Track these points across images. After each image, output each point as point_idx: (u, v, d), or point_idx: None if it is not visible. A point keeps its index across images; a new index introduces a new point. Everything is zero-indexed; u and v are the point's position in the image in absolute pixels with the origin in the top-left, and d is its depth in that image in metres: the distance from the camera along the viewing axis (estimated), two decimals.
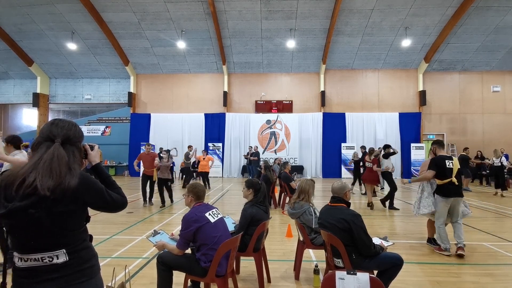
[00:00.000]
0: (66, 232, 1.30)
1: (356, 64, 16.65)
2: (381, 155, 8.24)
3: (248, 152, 15.17)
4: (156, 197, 8.40)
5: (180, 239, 2.63)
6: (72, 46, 15.20)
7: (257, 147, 15.48)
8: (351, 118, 16.71)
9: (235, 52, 16.04)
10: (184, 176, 13.42)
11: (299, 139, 16.82)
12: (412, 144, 15.99)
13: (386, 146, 8.39)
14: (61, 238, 1.29)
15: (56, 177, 1.25)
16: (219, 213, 2.81)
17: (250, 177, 5.04)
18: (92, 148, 1.59)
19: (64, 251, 1.29)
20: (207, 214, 2.67)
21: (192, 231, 2.57)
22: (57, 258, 1.28)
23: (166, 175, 8.09)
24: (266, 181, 7.68)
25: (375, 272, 2.77)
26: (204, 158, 11.58)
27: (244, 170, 16.48)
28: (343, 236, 2.70)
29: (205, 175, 11.62)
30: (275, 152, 16.76)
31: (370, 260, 2.71)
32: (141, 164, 8.25)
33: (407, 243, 4.85)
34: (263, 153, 16.46)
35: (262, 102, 17.09)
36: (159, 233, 2.97)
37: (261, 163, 11.85)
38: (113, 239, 5.04)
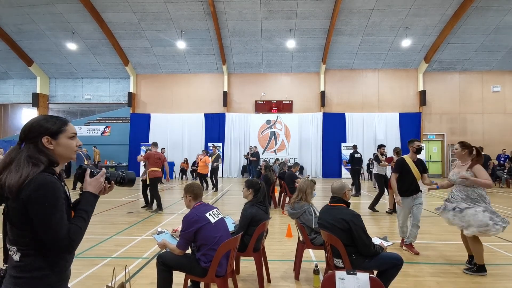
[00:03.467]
0: (14, 229, 1.25)
1: (356, 64, 16.65)
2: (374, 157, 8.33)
3: (248, 152, 15.17)
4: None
5: (180, 239, 2.63)
6: (72, 46, 15.20)
7: (256, 147, 15.46)
8: (351, 118, 16.71)
9: (235, 52, 16.04)
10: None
11: (299, 139, 16.82)
12: None
13: (380, 146, 8.59)
14: (13, 234, 1.26)
15: (14, 176, 1.23)
16: (219, 213, 2.80)
17: (250, 177, 5.03)
18: (92, 174, 1.40)
19: (16, 249, 1.25)
20: (207, 214, 2.66)
21: (192, 232, 2.57)
22: (14, 254, 1.25)
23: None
24: (266, 181, 7.68)
25: (375, 272, 2.77)
26: (201, 159, 11.17)
27: (244, 170, 16.48)
28: (343, 236, 2.69)
29: (201, 176, 11.17)
30: (275, 152, 16.76)
31: (370, 260, 2.71)
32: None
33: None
34: (263, 153, 16.46)
35: (262, 102, 17.09)
36: (164, 232, 3.00)
37: (262, 163, 11.85)
38: (113, 239, 5.03)
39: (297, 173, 8.26)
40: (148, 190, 7.52)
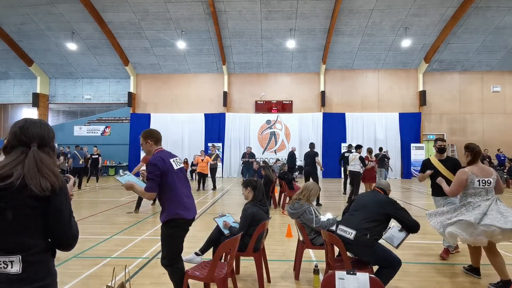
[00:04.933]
0: (25, 232, 1.17)
1: (356, 64, 16.65)
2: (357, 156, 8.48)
3: (246, 153, 15.08)
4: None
5: (148, 182, 2.57)
6: (72, 46, 15.20)
7: (250, 148, 15.33)
8: (351, 118, 16.71)
9: (235, 52, 16.04)
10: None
11: (299, 139, 16.81)
12: (412, 144, 15.99)
13: (359, 146, 8.89)
14: (20, 238, 1.17)
15: (52, 177, 1.22)
16: (181, 163, 2.80)
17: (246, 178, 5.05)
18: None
19: (20, 257, 1.15)
20: (171, 161, 2.67)
21: (158, 171, 2.55)
22: (11, 266, 1.14)
23: None
24: (266, 181, 7.69)
25: (374, 269, 2.82)
26: (202, 160, 11.37)
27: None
28: (377, 213, 2.98)
29: (202, 176, 11.37)
30: (275, 152, 16.76)
31: (377, 252, 2.86)
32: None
33: (407, 243, 4.84)
34: (262, 153, 16.48)
35: (262, 102, 17.09)
36: (126, 173, 2.85)
37: (261, 163, 11.85)
38: (113, 239, 5.03)
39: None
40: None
